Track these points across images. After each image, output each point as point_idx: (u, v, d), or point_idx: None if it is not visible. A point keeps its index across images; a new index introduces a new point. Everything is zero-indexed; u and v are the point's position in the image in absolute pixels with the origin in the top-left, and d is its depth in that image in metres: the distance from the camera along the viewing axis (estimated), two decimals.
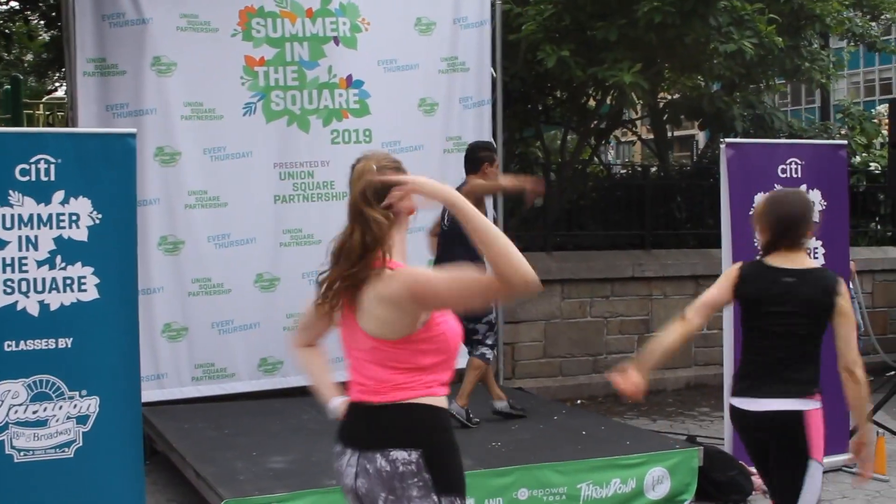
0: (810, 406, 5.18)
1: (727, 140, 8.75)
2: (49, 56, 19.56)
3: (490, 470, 7.33)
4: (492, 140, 10.81)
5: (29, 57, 21.97)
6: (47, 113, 19.49)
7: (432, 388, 3.75)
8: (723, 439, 8.68)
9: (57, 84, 23.78)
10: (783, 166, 8.66)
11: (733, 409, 5.46)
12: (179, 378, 9.64)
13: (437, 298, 3.66)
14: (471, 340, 8.70)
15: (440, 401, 3.79)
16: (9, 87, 16.59)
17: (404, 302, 3.64)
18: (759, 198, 6.09)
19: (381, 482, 3.71)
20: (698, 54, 11.70)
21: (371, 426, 3.76)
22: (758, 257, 5.58)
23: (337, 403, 3.97)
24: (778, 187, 8.58)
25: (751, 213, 8.48)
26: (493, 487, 7.25)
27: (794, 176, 8.66)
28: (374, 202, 3.74)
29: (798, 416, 5.15)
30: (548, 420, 9.15)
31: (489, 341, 8.83)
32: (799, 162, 8.70)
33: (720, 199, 8.78)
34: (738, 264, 5.62)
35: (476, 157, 8.77)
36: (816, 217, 5.49)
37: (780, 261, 5.36)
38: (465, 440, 8.05)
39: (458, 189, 8.43)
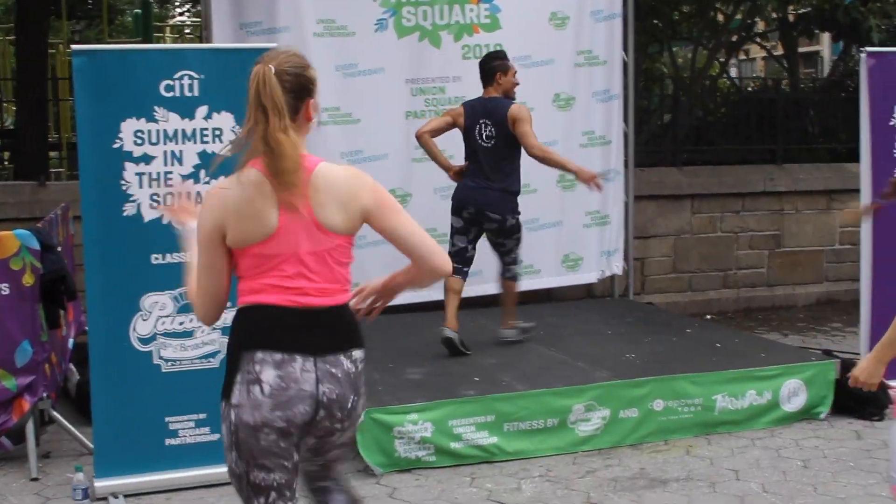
0: None
1: (868, 49, 8.55)
2: None
3: (625, 381, 7.39)
4: (622, 53, 10.75)
5: None
6: (175, 36, 19.79)
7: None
8: (859, 353, 8.58)
9: (178, 10, 24.07)
10: None
11: None
12: None
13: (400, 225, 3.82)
14: (500, 253, 8.57)
15: None
16: (139, 11, 16.86)
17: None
18: None
19: (350, 384, 3.74)
20: None
21: (331, 329, 3.73)
22: None
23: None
24: None
25: (892, 123, 8.35)
26: (629, 398, 7.30)
27: None
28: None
29: None
30: (681, 333, 9.15)
31: (514, 254, 8.58)
32: None
33: (854, 113, 8.62)
34: None
35: (489, 68, 8.54)
36: None
37: None
38: (599, 352, 8.18)
39: (490, 103, 8.40)
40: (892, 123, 8.37)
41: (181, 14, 24.41)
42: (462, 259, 8.34)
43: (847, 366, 8.02)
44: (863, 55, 8.51)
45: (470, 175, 8.44)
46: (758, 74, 27.01)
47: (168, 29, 20.53)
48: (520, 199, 8.58)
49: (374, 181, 3.79)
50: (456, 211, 8.42)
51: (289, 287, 3.68)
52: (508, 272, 8.58)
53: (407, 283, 3.86)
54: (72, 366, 8.28)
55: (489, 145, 8.34)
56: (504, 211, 8.36)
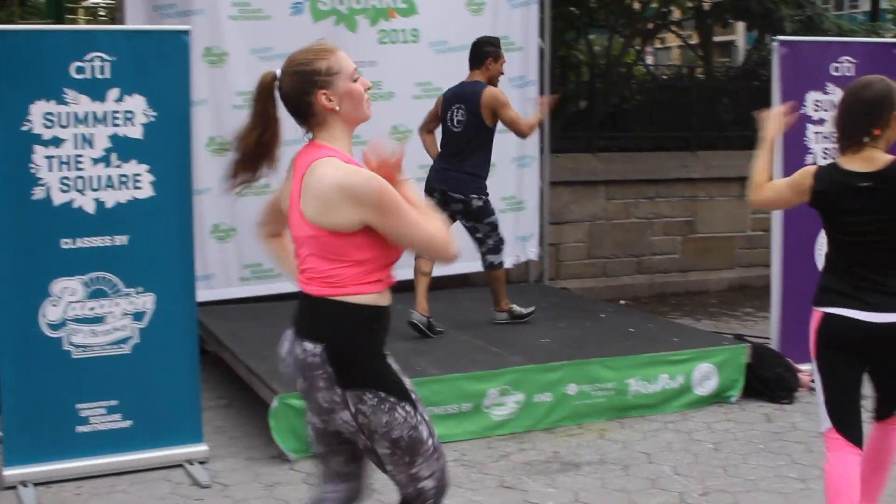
0: None
1: (781, 38, 8.66)
2: None
3: (539, 365, 7.42)
4: (539, 40, 10.79)
5: None
6: (89, 18, 19.46)
7: (360, 285, 3.77)
8: (769, 338, 8.70)
9: None
10: (836, 64, 8.58)
11: (837, 318, 4.86)
12: (228, 278, 9.73)
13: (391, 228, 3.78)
14: (474, 238, 8.72)
15: (365, 298, 3.78)
16: None
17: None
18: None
19: (297, 368, 3.87)
20: None
21: (300, 313, 3.90)
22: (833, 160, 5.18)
23: None
24: (830, 86, 8.54)
25: (801, 111, 8.46)
26: (543, 382, 7.34)
27: (847, 75, 8.56)
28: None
29: None
30: (594, 318, 9.22)
31: (492, 243, 8.72)
32: (852, 61, 8.61)
33: (767, 101, 8.70)
34: (812, 170, 5.00)
35: (481, 52, 8.65)
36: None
37: (853, 163, 4.83)
38: (514, 337, 8.20)
39: (468, 87, 8.46)
40: (803, 111, 8.47)
41: None
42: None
43: (757, 349, 8.15)
44: (775, 44, 8.61)
45: (438, 159, 8.64)
46: (673, 63, 27.22)
47: (81, 10, 20.22)
48: None
49: (368, 189, 3.69)
50: (426, 195, 8.46)
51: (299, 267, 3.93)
52: (486, 262, 8.75)
53: None
54: None
55: (458, 130, 8.54)
56: (466, 191, 8.45)
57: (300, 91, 3.82)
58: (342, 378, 3.77)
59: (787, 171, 8.35)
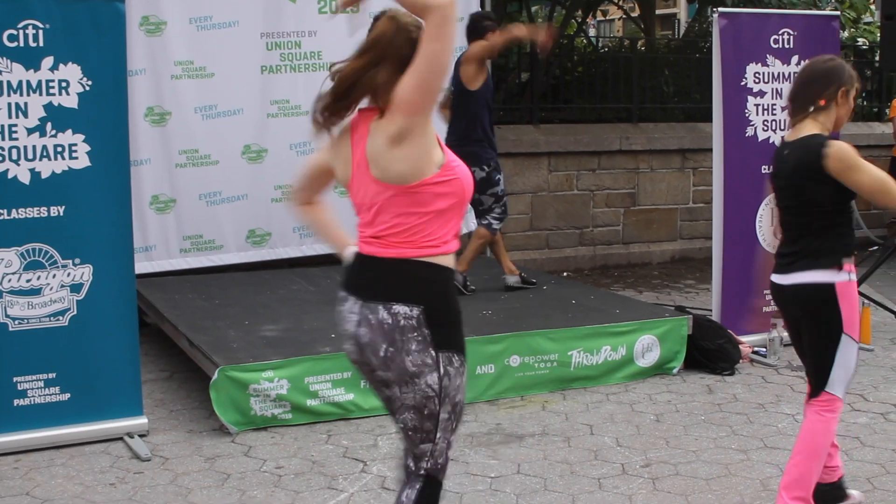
0: (839, 278, 4.94)
1: (721, 10, 8.66)
2: None
3: (482, 337, 7.38)
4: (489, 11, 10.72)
5: None
6: None
7: (439, 247, 3.77)
8: (711, 310, 8.74)
9: None
10: (776, 37, 8.61)
11: (771, 285, 5.21)
12: (168, 250, 9.65)
13: (410, 84, 3.63)
14: (477, 212, 8.91)
15: (446, 259, 3.79)
16: None
17: (402, 123, 3.65)
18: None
19: (383, 333, 3.75)
20: None
21: (377, 278, 3.79)
22: (751, 128, 5.41)
23: (350, 252, 3.95)
24: (770, 58, 8.57)
25: (742, 83, 8.48)
26: (486, 354, 7.31)
27: (787, 47, 8.62)
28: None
29: (827, 288, 4.94)
30: (537, 290, 9.20)
31: (496, 212, 8.86)
32: (791, 32, 8.64)
33: (707, 73, 8.74)
34: None
35: (482, 27, 8.73)
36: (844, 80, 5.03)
37: (790, 134, 5.11)
38: None
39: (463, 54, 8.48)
40: (743, 83, 8.50)
41: None
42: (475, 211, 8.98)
43: (699, 321, 8.17)
44: (715, 15, 8.61)
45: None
46: (615, 35, 27.26)
47: None
48: None
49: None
50: None
51: (362, 234, 3.86)
52: (484, 220, 8.93)
53: None
54: None
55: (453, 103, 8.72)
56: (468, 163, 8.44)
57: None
58: (438, 339, 3.78)
59: (728, 141, 8.41)
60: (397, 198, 3.71)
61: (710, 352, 8.06)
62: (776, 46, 8.60)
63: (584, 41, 16.53)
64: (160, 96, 9.35)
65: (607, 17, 26.74)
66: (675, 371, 7.97)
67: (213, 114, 9.56)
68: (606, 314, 8.17)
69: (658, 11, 22.28)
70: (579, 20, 15.51)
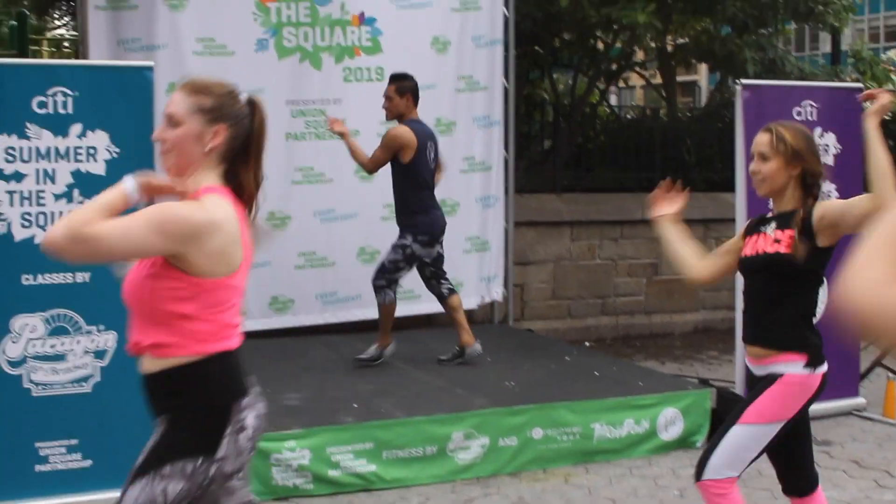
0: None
1: (743, 81, 8.68)
2: None
3: (504, 409, 7.35)
4: (503, 79, 10.78)
5: None
6: (53, 50, 19.33)
7: None
8: (734, 382, 8.68)
9: (57, 22, 23.58)
10: (798, 109, 8.60)
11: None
12: None
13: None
14: (437, 274, 8.83)
15: None
16: (15, 23, 16.46)
17: None
18: None
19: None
20: None
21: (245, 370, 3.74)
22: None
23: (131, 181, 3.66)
24: None
25: None
26: (508, 426, 7.27)
27: (810, 119, 8.61)
28: None
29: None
30: (559, 360, 9.16)
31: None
32: (814, 105, 8.64)
33: (730, 143, 8.73)
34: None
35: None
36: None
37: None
38: (478, 379, 8.14)
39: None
40: None
41: (61, 27, 23.95)
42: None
43: (722, 394, 8.11)
44: (738, 87, 8.62)
45: (433, 202, 8.67)
46: (636, 103, 27.35)
47: (45, 42, 20.10)
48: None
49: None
50: (433, 242, 8.58)
51: (236, 324, 3.66)
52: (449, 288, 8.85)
53: None
54: None
55: (432, 167, 8.61)
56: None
57: None
58: None
59: (751, 212, 8.37)
60: None
61: None
62: (799, 118, 8.58)
63: (607, 109, 16.56)
64: None
65: (628, 85, 26.82)
66: (698, 445, 7.88)
67: None
68: (629, 386, 8.12)
69: (679, 78, 22.40)
70: (601, 88, 15.54)
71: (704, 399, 7.95)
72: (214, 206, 3.50)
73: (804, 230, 4.63)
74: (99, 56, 8.91)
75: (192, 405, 3.56)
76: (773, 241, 4.69)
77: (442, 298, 8.74)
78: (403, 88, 8.65)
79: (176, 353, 3.52)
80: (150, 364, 3.57)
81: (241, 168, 3.67)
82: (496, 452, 7.22)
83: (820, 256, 4.67)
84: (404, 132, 8.48)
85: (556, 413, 7.45)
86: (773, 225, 4.74)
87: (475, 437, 7.16)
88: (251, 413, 3.60)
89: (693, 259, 5.06)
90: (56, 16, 22.53)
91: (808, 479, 4.99)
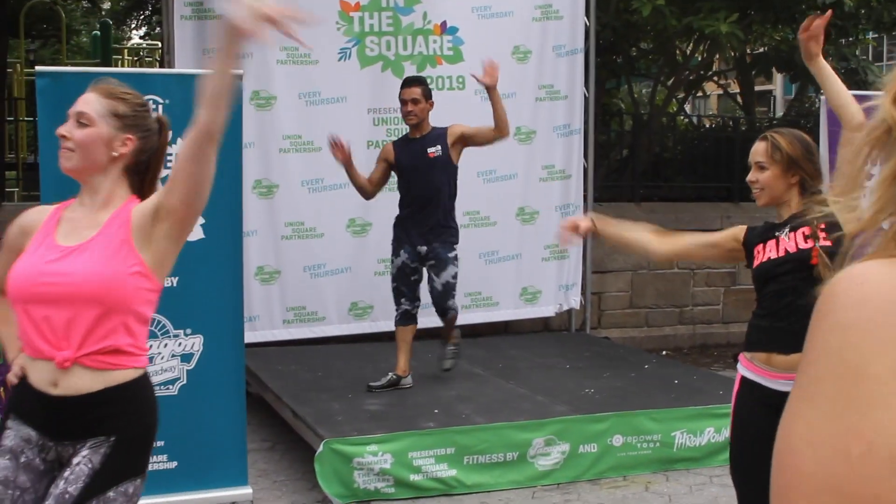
0: None
1: None
2: (127, 3, 19.69)
3: (585, 416, 7.37)
4: (583, 90, 10.78)
5: (106, 5, 22.16)
6: (134, 59, 19.66)
7: None
8: None
9: (134, 32, 23.96)
10: None
11: None
12: (271, 321, 9.75)
13: None
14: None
15: None
16: (97, 32, 16.76)
17: None
18: None
19: None
20: (794, 5, 11.54)
21: None
22: None
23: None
24: None
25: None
26: (589, 433, 7.29)
27: None
28: None
29: None
30: (638, 369, 9.15)
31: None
32: None
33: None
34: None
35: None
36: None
37: None
38: (558, 386, 8.17)
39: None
40: None
41: (141, 37, 24.31)
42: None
43: None
44: (822, 97, 8.57)
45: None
46: (711, 112, 27.20)
47: (126, 51, 20.44)
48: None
49: None
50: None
51: None
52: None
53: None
54: None
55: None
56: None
57: None
58: None
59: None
60: None
61: None
62: None
63: (685, 119, 16.51)
64: (268, 169, 9.52)
65: (705, 94, 26.72)
66: None
67: (319, 187, 9.69)
68: (710, 395, 8.08)
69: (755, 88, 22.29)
70: (680, 98, 15.51)
71: None
72: None
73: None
74: (184, 65, 9.04)
75: (138, 424, 3.48)
76: (804, 237, 4.53)
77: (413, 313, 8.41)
78: (430, 92, 8.38)
79: (129, 365, 3.42)
80: (88, 379, 3.35)
81: (147, 186, 3.61)
82: (576, 459, 7.24)
83: None
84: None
85: (636, 421, 7.45)
86: (787, 229, 4.63)
87: (556, 443, 7.18)
88: None
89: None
90: (134, 25, 22.88)
91: None
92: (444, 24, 10.07)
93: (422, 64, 10.01)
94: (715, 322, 12.55)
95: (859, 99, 8.75)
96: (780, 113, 27.10)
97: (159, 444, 6.41)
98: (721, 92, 19.20)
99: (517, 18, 10.38)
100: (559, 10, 10.58)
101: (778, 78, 27.07)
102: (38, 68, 6.35)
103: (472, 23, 10.19)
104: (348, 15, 9.76)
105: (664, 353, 11.69)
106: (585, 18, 10.80)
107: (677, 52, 14.30)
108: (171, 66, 9.18)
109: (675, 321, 12.36)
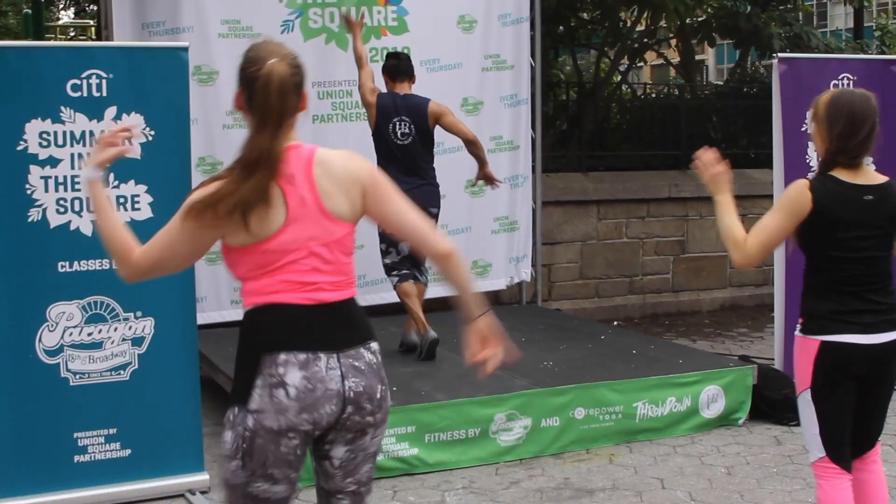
0: None
1: (780, 55, 8.55)
2: None
3: (547, 389, 7.26)
4: (529, 60, 10.64)
5: None
6: (65, 38, 19.23)
7: None
8: (773, 359, 8.57)
9: (63, 12, 23.49)
10: (835, 82, 8.46)
11: (838, 346, 4.62)
12: (219, 301, 9.53)
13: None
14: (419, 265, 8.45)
15: None
16: (29, 11, 16.35)
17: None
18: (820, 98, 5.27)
19: (374, 375, 3.62)
20: None
21: (346, 323, 3.61)
22: (812, 174, 5.04)
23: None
24: None
25: (806, 121, 8.33)
26: (551, 406, 7.18)
27: None
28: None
29: None
30: (595, 340, 9.05)
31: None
32: (851, 77, 8.49)
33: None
34: (805, 183, 4.70)
35: (410, 66, 8.47)
36: None
37: (851, 176, 4.66)
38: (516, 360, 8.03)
39: (410, 99, 8.23)
40: (803, 129, 8.35)
41: (72, 17, 23.87)
42: (413, 262, 8.26)
43: (763, 371, 8.01)
44: (775, 61, 8.50)
45: (398, 175, 7.82)
46: (647, 81, 27.17)
47: (57, 30, 20.00)
48: None
49: (370, 162, 3.76)
50: None
51: (305, 282, 3.53)
52: (424, 275, 8.44)
53: (467, 290, 3.76)
54: None
55: (406, 143, 8.14)
56: (438, 205, 8.27)
57: (300, 85, 3.61)
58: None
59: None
60: (347, 237, 3.61)
61: (775, 402, 7.90)
62: None
63: (629, 88, 16.40)
64: (212, 146, 9.27)
65: (637, 64, 26.70)
66: (740, 422, 7.80)
67: None
68: (669, 364, 8.00)
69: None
70: (624, 67, 15.40)
71: (746, 376, 7.85)
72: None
73: None
74: (123, 40, 8.78)
75: (237, 354, 3.59)
76: None
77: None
78: (382, 69, 8.52)
79: (243, 306, 3.63)
80: None
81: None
82: (539, 433, 7.12)
83: None
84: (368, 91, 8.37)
85: (598, 392, 7.34)
86: None
87: (518, 418, 7.05)
88: (296, 372, 3.47)
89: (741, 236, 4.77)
90: (62, 5, 22.45)
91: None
92: None
93: (366, 35, 9.75)
94: (665, 291, 12.49)
95: (816, 62, 8.70)
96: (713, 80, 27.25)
97: (111, 431, 6.25)
98: (660, 62, 19.12)
99: None
100: None
101: (707, 48, 27.11)
102: None
103: None
104: None
105: (615, 323, 11.61)
106: None
107: (626, 20, 14.19)
108: (109, 40, 8.92)
109: (625, 291, 12.28)
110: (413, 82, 8.38)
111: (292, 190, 3.50)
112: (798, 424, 7.46)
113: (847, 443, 4.74)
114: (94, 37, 19.37)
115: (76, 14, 23.24)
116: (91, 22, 21.00)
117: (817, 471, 4.76)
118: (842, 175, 4.67)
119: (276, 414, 3.46)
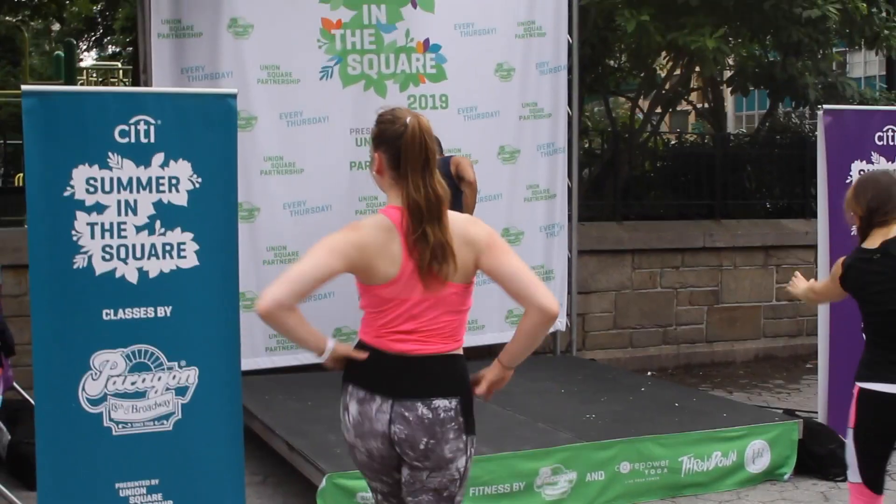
0: None
1: (825, 107, 8.50)
2: (80, 26, 19.34)
3: (592, 443, 7.15)
4: (566, 108, 10.58)
5: (56, 27, 21.79)
6: (100, 79, 19.30)
7: (463, 339, 4.07)
8: (817, 412, 8.45)
9: (85, 53, 23.62)
10: (880, 133, 8.42)
11: (873, 393, 5.23)
12: (254, 349, 9.41)
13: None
14: None
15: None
16: (61, 53, 16.41)
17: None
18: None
19: (423, 428, 3.93)
20: (777, 19, 11.39)
21: (415, 375, 3.94)
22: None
23: (331, 348, 4.06)
24: (875, 155, 8.38)
25: (847, 181, 8.26)
26: (596, 461, 7.07)
27: (891, 143, 8.42)
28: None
29: None
30: (635, 391, 8.93)
31: None
32: None
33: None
34: (841, 260, 5.57)
35: None
36: None
37: (871, 241, 5.37)
38: (557, 412, 7.94)
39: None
40: (848, 181, 8.27)
41: (95, 59, 23.99)
42: None
43: (809, 425, 7.90)
44: (820, 112, 8.47)
45: None
46: (667, 128, 27.15)
47: (86, 72, 20.06)
48: None
49: (488, 227, 4.08)
50: None
51: (394, 332, 3.93)
52: None
53: (519, 347, 4.06)
54: (1, 424, 7.83)
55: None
56: None
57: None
58: (468, 425, 4.00)
59: (834, 239, 8.17)
60: (455, 296, 3.91)
61: (821, 457, 7.78)
62: (881, 143, 8.42)
63: (663, 136, 16.30)
64: (249, 192, 9.19)
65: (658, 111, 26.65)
66: (786, 477, 7.68)
67: (301, 210, 9.42)
68: (714, 418, 7.89)
69: (707, 105, 22.15)
70: (658, 116, 15.33)
71: (792, 430, 7.73)
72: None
73: None
74: (161, 84, 8.75)
75: None
76: None
77: None
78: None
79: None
80: None
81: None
82: (583, 487, 7.01)
83: None
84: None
85: (643, 447, 7.24)
86: None
87: (563, 472, 6.94)
88: (354, 405, 4.00)
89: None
90: (85, 47, 22.61)
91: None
92: (426, 41, 9.82)
93: (405, 82, 9.76)
94: (699, 341, 12.38)
95: (861, 114, 8.66)
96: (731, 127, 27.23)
97: (154, 482, 6.16)
98: (682, 108, 19.04)
99: (500, 35, 10.16)
100: (542, 26, 10.36)
101: (728, 95, 27.03)
102: (25, 87, 6.05)
103: (454, 40, 9.95)
104: (330, 33, 9.49)
105: (649, 373, 11.49)
106: (568, 35, 10.60)
107: (659, 70, 14.14)
108: (147, 85, 8.89)
109: (659, 341, 12.17)
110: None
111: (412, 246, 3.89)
112: (844, 480, 7.43)
113: (883, 472, 5.33)
114: (123, 80, 19.45)
115: (99, 57, 23.37)
116: (118, 64, 21.11)
117: (853, 489, 5.35)
118: (868, 242, 5.40)
119: (345, 430, 4.09)
